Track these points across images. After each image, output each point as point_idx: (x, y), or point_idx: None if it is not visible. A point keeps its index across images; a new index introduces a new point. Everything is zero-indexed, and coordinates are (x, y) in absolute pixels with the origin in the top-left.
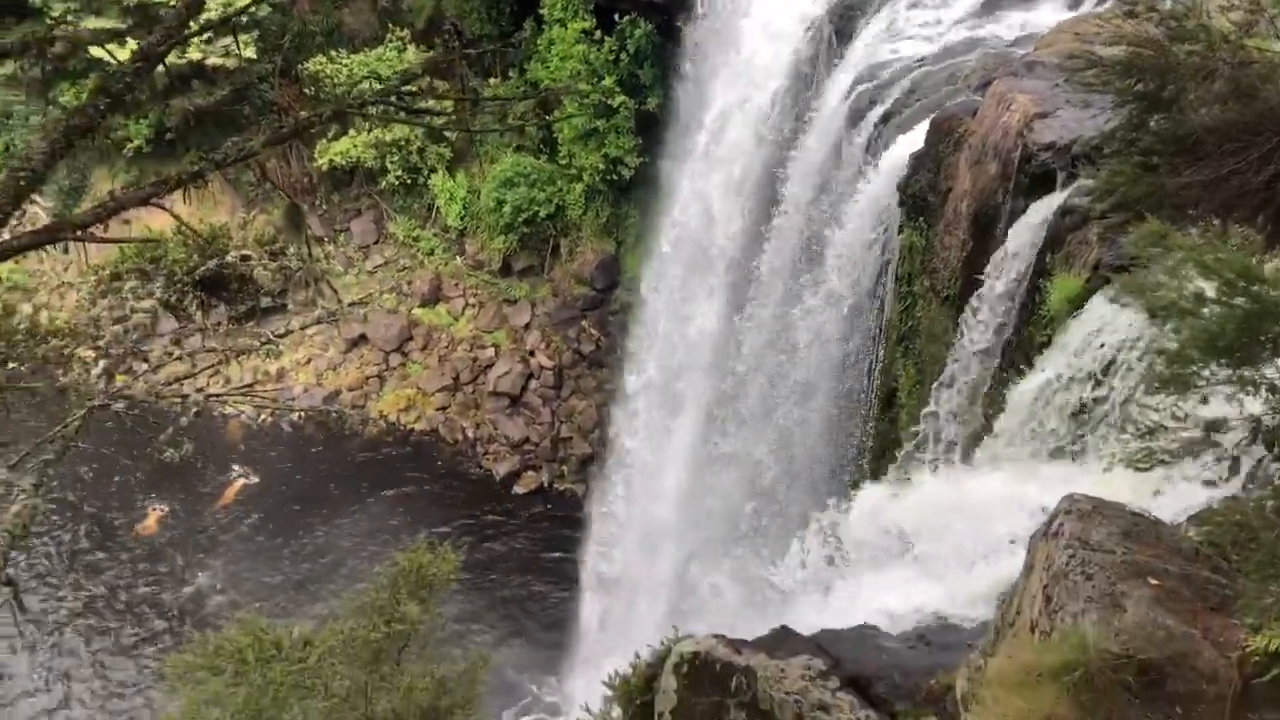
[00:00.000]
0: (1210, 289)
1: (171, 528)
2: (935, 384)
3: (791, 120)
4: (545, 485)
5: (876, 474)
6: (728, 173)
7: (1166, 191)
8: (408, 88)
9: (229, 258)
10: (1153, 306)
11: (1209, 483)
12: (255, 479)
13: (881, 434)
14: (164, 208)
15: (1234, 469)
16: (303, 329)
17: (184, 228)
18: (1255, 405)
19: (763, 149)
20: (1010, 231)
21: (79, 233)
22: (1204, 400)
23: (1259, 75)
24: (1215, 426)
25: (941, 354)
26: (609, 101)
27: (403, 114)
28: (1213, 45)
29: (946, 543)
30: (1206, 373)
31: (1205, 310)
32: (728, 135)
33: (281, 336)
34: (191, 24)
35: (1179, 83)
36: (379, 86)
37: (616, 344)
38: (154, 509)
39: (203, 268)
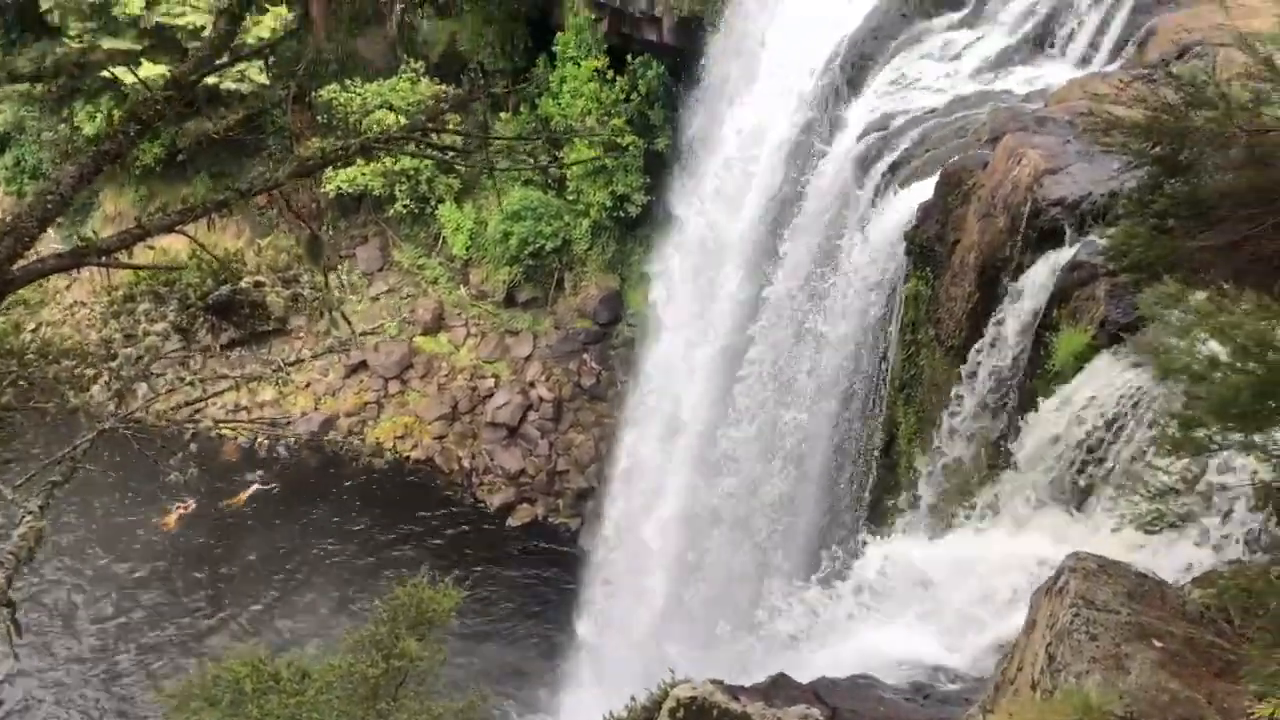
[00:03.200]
0: (1223, 353)
1: (189, 527)
2: (935, 434)
3: (799, 167)
4: (540, 518)
5: (874, 520)
6: (734, 216)
7: (1181, 254)
8: (432, 124)
9: (243, 283)
10: (1165, 368)
11: (1214, 547)
12: (272, 485)
13: (880, 480)
14: (188, 235)
15: (1226, 535)
16: (314, 358)
17: (202, 252)
18: (1265, 472)
19: (768, 194)
20: (1016, 285)
21: (103, 258)
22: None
23: (1275, 143)
24: (1215, 491)
25: (943, 403)
26: (618, 140)
27: (428, 149)
28: (1230, 113)
29: (947, 597)
30: (1219, 437)
31: (1218, 374)
32: (734, 180)
33: (292, 364)
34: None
35: (1196, 148)
36: (403, 121)
37: (617, 378)
38: (176, 506)
39: (217, 292)
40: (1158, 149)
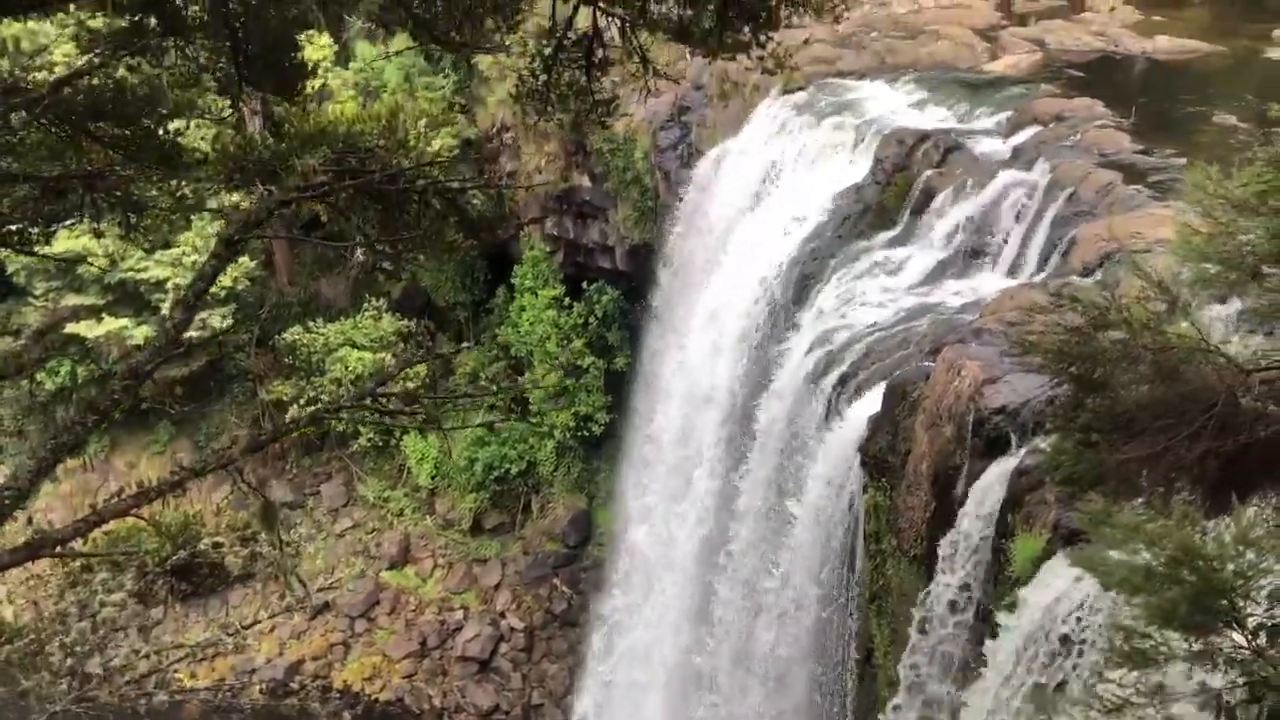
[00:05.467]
0: (1158, 563)
1: None
2: (909, 646)
3: (750, 386)
4: None
5: None
6: (691, 450)
7: (1108, 467)
8: (383, 389)
9: (201, 544)
10: (1106, 582)
11: None
12: None
13: (863, 694)
14: (143, 519)
15: None
16: (271, 618)
17: (162, 518)
18: (1215, 680)
19: (722, 412)
20: (969, 492)
21: (59, 549)
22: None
23: (1179, 358)
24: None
25: (912, 614)
26: (578, 363)
27: (379, 415)
28: (1134, 332)
29: None
30: (1165, 648)
31: (1155, 585)
32: (691, 408)
33: (248, 627)
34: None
35: (1107, 366)
36: (367, 357)
37: (589, 602)
38: None
39: (175, 557)
40: (1073, 369)
